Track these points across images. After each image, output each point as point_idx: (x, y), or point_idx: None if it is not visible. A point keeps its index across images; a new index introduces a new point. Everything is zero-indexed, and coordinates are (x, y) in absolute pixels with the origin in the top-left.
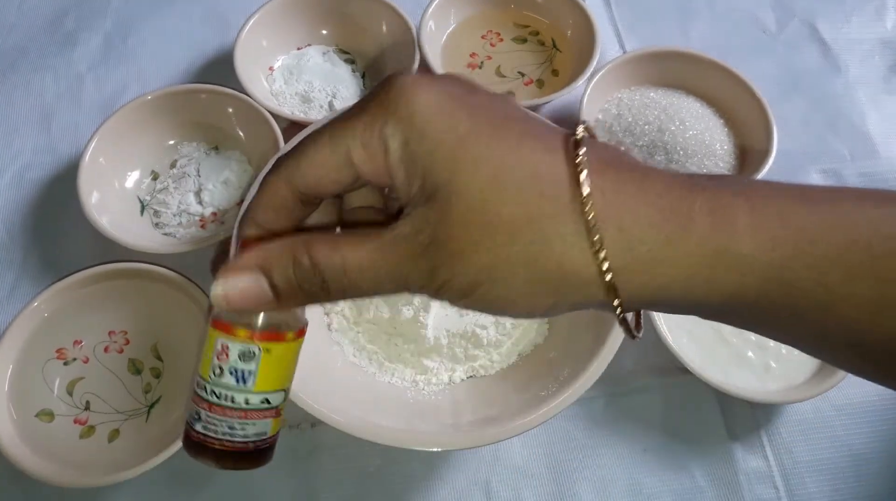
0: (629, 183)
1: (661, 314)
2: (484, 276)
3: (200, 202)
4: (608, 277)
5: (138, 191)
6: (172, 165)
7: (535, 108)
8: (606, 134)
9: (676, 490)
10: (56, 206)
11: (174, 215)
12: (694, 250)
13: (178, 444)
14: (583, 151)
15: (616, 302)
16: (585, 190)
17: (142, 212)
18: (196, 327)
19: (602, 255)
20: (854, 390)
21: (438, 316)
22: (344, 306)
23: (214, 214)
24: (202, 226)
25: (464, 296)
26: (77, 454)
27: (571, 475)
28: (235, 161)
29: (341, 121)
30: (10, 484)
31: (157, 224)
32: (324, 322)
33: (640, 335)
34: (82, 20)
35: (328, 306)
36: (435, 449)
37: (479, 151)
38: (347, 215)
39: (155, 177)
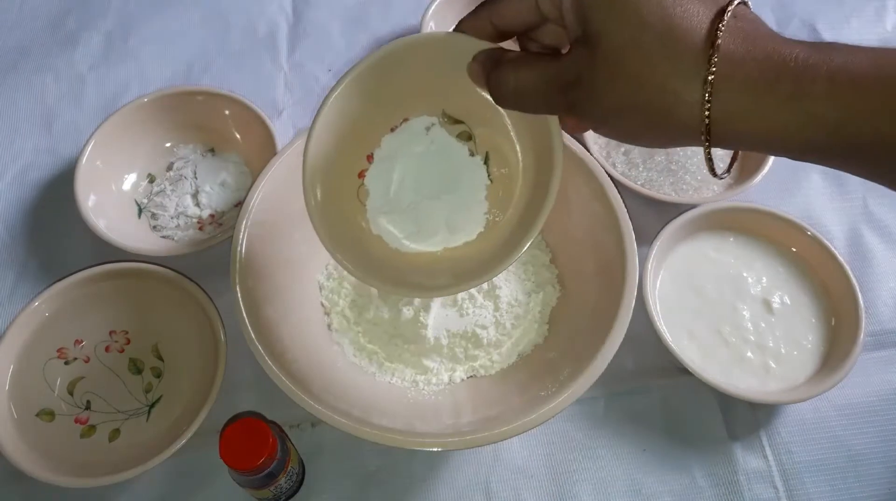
0: (752, 69)
1: (661, 316)
2: (611, 114)
3: (198, 205)
4: (705, 126)
5: (135, 194)
6: (169, 168)
7: None
8: None
9: (676, 491)
10: (57, 206)
11: (172, 218)
12: (778, 113)
13: (179, 443)
14: (722, 28)
15: (707, 145)
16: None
17: (139, 215)
18: (197, 327)
19: (707, 113)
20: (853, 390)
21: (439, 316)
22: (344, 307)
23: (212, 216)
24: (200, 228)
25: (594, 124)
26: (77, 453)
27: (571, 475)
28: (232, 163)
29: None
30: (11, 484)
31: (154, 227)
32: (324, 322)
33: (724, 176)
34: (83, 20)
35: (328, 305)
36: (435, 449)
37: (629, 10)
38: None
39: (151, 180)
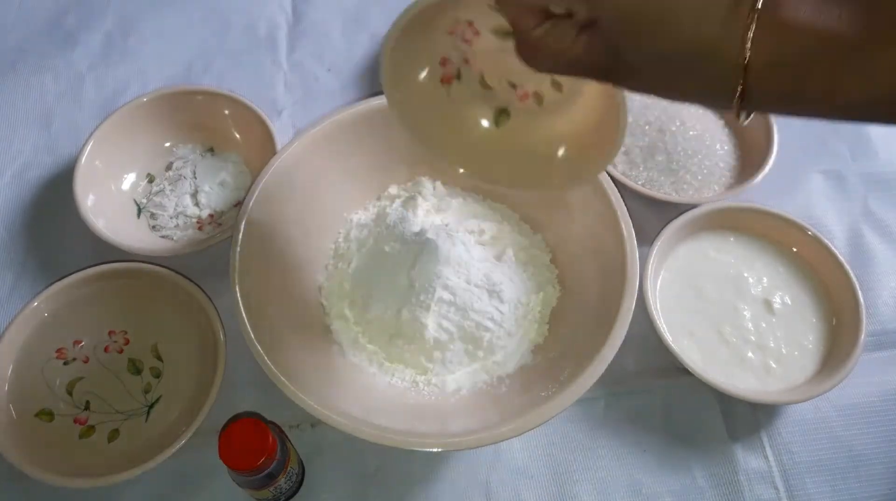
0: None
1: (661, 316)
2: (645, 89)
3: (197, 204)
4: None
5: (134, 193)
6: (168, 168)
7: None
8: None
9: (677, 491)
10: (56, 205)
11: (171, 218)
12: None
13: (179, 444)
14: None
15: (739, 89)
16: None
17: (138, 214)
18: (196, 327)
19: (747, 57)
20: (854, 390)
21: (439, 316)
22: (344, 307)
23: (211, 215)
24: (199, 228)
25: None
26: (77, 454)
27: (571, 475)
28: (232, 163)
29: None
30: (10, 484)
31: (154, 226)
32: (324, 323)
33: (745, 123)
34: (82, 20)
35: (328, 307)
36: (435, 450)
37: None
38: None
39: (150, 179)
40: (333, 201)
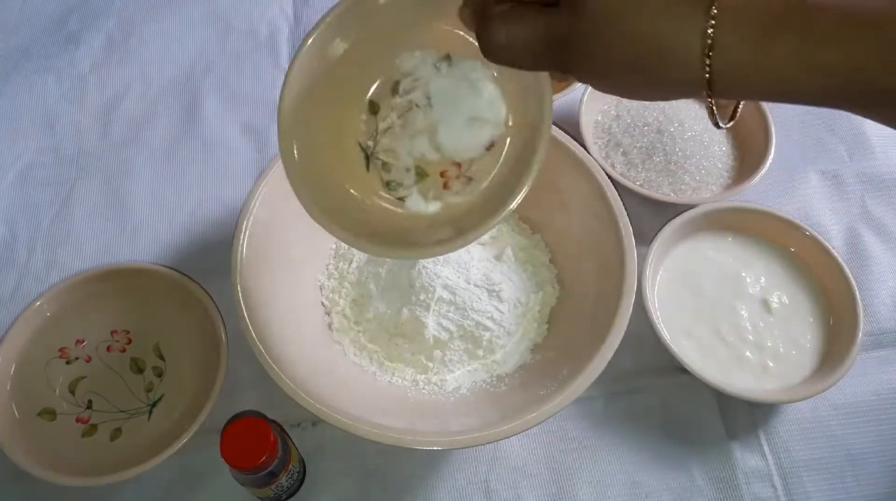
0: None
1: (659, 316)
2: (605, 72)
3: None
4: (706, 80)
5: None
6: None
7: None
8: (605, 135)
9: (675, 490)
10: (59, 206)
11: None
12: (784, 63)
13: (181, 442)
14: None
15: (709, 99)
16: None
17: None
18: (198, 326)
19: (707, 67)
20: (851, 389)
21: (438, 316)
22: (345, 306)
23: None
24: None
25: (589, 81)
26: (79, 453)
27: (570, 474)
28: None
29: None
30: (12, 483)
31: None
32: (325, 322)
33: (727, 125)
34: (85, 21)
35: (328, 305)
36: (435, 448)
37: None
38: None
39: None
40: None
